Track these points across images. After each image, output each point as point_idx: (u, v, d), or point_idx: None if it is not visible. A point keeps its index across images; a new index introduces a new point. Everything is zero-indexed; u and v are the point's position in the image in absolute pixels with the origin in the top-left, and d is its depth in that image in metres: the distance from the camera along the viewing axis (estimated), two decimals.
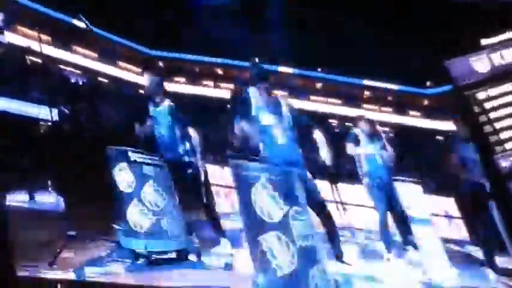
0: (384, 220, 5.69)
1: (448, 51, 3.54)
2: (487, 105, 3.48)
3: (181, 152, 5.04)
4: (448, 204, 6.93)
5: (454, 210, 6.87)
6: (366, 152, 5.67)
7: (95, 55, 15.02)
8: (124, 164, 4.88)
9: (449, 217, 6.83)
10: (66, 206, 5.28)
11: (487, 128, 3.42)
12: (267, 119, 4.21)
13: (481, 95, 3.50)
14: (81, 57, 15.06)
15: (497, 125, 3.41)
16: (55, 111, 8.04)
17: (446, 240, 6.29)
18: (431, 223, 5.57)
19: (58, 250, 4.48)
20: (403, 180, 5.59)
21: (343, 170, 6.91)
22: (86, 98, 13.13)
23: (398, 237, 5.78)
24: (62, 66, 14.82)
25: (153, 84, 5.07)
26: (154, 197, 4.87)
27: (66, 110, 10.10)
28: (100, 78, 15.04)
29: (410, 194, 5.50)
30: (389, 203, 5.67)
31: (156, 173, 4.92)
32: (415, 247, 5.51)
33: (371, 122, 5.79)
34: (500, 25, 3.54)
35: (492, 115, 3.47)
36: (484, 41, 3.66)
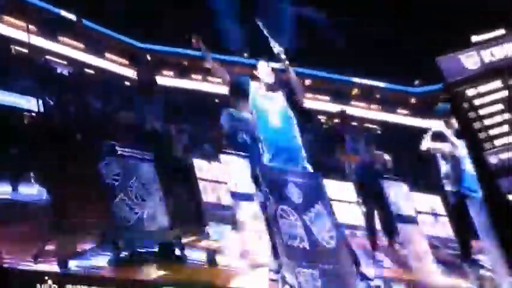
0: (370, 217, 5.73)
1: (438, 49, 3.54)
2: (477, 102, 3.48)
3: (175, 147, 5.09)
4: (434, 202, 6.99)
5: (440, 208, 6.93)
6: (352, 151, 5.72)
7: (82, 46, 14.81)
8: (111, 158, 4.83)
9: (435, 215, 6.90)
10: (51, 198, 5.19)
11: (477, 125, 3.42)
12: (264, 104, 4.09)
13: (470, 92, 3.50)
14: (68, 48, 14.84)
15: (487, 122, 3.42)
16: (40, 101, 7.91)
17: (431, 237, 6.36)
18: (417, 221, 5.61)
19: (43, 242, 4.41)
20: (389, 178, 5.63)
21: (330, 166, 6.91)
22: (73, 89, 12.94)
23: (383, 234, 5.81)
24: (48, 57, 14.59)
25: (148, 80, 5.14)
26: (140, 191, 4.84)
27: (51, 101, 9.96)
28: (87, 70, 14.83)
29: (396, 192, 5.54)
30: (376, 200, 5.71)
31: (143, 168, 4.91)
32: (400, 244, 5.56)
33: (353, 119, 5.84)
34: (491, 22, 3.54)
35: (481, 112, 3.47)
36: (474, 38, 3.66)
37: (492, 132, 3.36)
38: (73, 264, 4.30)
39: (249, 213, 4.95)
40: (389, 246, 5.87)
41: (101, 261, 4.50)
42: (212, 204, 6.59)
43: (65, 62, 14.70)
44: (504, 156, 3.26)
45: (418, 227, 5.58)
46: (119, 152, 4.89)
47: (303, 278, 3.50)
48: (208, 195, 6.87)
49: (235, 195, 5.12)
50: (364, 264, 4.41)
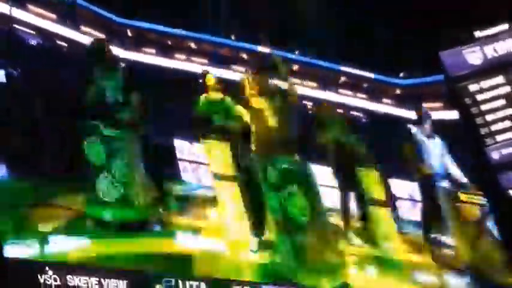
0: (346, 201, 5.88)
1: (440, 43, 3.58)
2: (479, 97, 3.55)
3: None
4: (412, 188, 7.16)
5: (418, 194, 7.12)
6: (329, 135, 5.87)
7: (54, 17, 14.21)
8: (95, 137, 4.84)
9: (413, 200, 7.10)
10: (36, 175, 5.11)
11: (478, 120, 3.49)
12: (258, 102, 4.17)
13: (473, 87, 3.56)
14: (38, 18, 14.20)
15: (489, 117, 3.49)
16: (2, 72, 7.56)
17: (407, 221, 6.60)
18: (388, 205, 5.82)
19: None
20: (364, 165, 5.79)
21: (312, 152, 6.94)
22: (42, 61, 12.43)
23: (357, 218, 5.98)
24: (15, 26, 13.94)
25: (105, 49, 5.00)
26: (124, 170, 4.86)
27: (15, 72, 9.52)
28: (59, 42, 14.26)
29: (369, 177, 5.73)
30: (352, 185, 5.86)
31: (127, 147, 4.91)
32: (372, 228, 5.78)
33: (333, 106, 5.98)
34: (494, 17, 3.60)
35: (483, 107, 3.54)
36: (477, 33, 3.72)
37: (494, 127, 3.45)
38: (54, 240, 4.30)
39: (230, 192, 4.99)
40: (364, 229, 6.04)
41: (83, 236, 4.49)
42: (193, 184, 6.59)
43: (35, 32, 14.07)
44: (506, 151, 3.35)
45: (388, 210, 5.78)
46: (105, 133, 4.84)
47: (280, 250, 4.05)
48: (189, 175, 6.84)
49: (215, 176, 5.15)
50: None
